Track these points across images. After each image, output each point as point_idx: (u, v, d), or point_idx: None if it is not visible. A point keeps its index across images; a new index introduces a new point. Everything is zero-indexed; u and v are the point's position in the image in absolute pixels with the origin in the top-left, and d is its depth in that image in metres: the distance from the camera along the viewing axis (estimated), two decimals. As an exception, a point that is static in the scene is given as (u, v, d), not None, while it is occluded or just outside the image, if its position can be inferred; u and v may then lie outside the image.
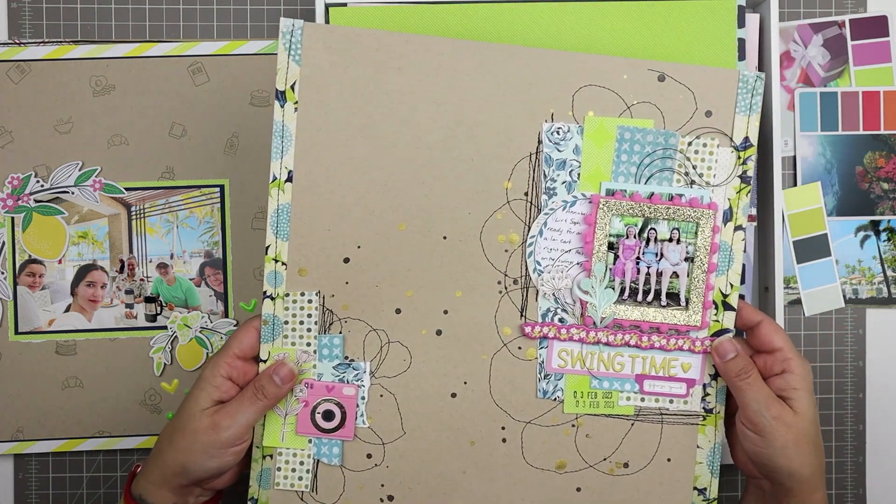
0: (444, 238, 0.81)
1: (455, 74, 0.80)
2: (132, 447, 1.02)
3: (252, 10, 1.03)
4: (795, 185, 1.05)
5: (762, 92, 0.81)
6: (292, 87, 0.79)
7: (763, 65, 0.98)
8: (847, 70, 1.04)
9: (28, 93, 1.00)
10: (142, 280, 1.02)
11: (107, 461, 1.04)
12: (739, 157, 0.81)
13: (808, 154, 1.04)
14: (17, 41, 1.00)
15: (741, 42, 0.93)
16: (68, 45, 1.00)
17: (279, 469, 0.83)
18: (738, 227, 0.81)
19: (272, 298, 0.81)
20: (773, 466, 0.79)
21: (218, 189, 1.01)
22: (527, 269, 0.82)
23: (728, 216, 0.81)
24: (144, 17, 1.03)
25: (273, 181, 0.80)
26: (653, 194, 0.81)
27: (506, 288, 0.82)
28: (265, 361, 0.82)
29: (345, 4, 0.93)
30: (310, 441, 0.83)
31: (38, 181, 1.00)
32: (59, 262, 1.01)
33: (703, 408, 0.83)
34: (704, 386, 0.83)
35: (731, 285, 0.82)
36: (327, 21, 0.93)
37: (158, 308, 1.02)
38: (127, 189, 1.01)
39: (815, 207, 1.04)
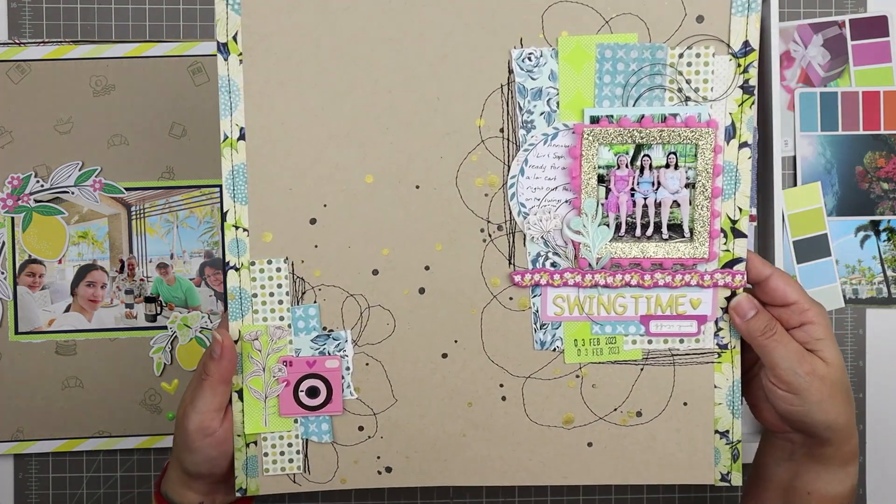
0: (417, 188, 0.73)
1: (409, 7, 0.71)
2: (132, 447, 0.97)
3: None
4: (795, 185, 0.99)
5: None
6: (234, 39, 0.71)
7: (763, 65, 0.98)
8: (847, 70, 0.99)
9: (28, 93, 0.95)
10: (142, 280, 0.97)
11: (107, 461, 0.98)
12: (739, 65, 0.70)
13: (808, 154, 0.99)
14: (17, 41, 0.94)
15: None
16: (68, 45, 0.95)
17: (266, 454, 0.75)
18: (743, 144, 0.70)
19: (236, 269, 0.73)
20: (810, 422, 0.71)
21: (218, 189, 0.97)
22: (510, 212, 0.73)
23: (731, 133, 0.70)
24: (144, 17, 0.97)
25: (224, 140, 0.72)
26: (643, 117, 0.70)
27: (490, 235, 0.73)
28: (237, 342, 0.74)
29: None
30: (296, 421, 0.75)
31: (38, 181, 0.95)
32: (59, 262, 0.96)
33: (717, 344, 0.74)
34: (717, 321, 0.73)
35: (740, 209, 0.71)
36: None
37: (158, 308, 0.97)
38: (127, 189, 0.96)
39: (815, 207, 0.99)
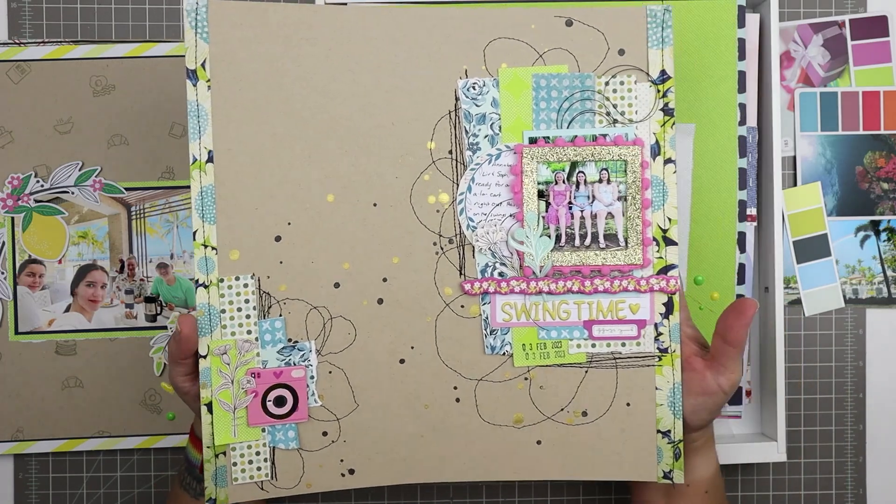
0: (375, 205, 0.81)
1: (366, 41, 0.80)
2: (132, 447, 1.03)
3: (252, 11, 1.05)
4: (795, 185, 1.05)
5: (672, 24, 0.80)
6: (203, 66, 0.78)
7: (763, 65, 0.99)
8: (847, 70, 1.04)
9: (28, 93, 1.01)
10: (142, 280, 1.02)
11: (107, 461, 1.04)
12: (659, 91, 0.80)
13: (808, 154, 1.05)
14: (17, 41, 1.00)
15: (741, 42, 0.95)
16: (68, 45, 1.01)
17: (235, 464, 0.81)
18: (667, 161, 0.80)
19: (205, 287, 0.80)
20: (713, 417, 0.83)
21: (218, 188, 1.03)
22: (460, 226, 0.81)
23: (656, 150, 0.80)
24: (144, 17, 1.03)
25: (193, 163, 0.79)
26: (576, 137, 0.80)
27: (442, 248, 0.81)
28: (205, 357, 0.80)
29: (345, 4, 0.95)
30: (263, 430, 0.81)
31: (38, 181, 1.01)
32: (59, 262, 1.02)
33: (658, 348, 0.82)
34: (656, 325, 0.81)
35: (670, 219, 0.80)
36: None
37: (158, 308, 1.03)
38: (127, 189, 1.02)
39: (815, 207, 1.04)
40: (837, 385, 1.06)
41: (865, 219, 1.05)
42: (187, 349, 0.79)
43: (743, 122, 0.95)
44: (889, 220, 1.05)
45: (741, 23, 0.94)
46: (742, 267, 0.96)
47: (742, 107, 0.95)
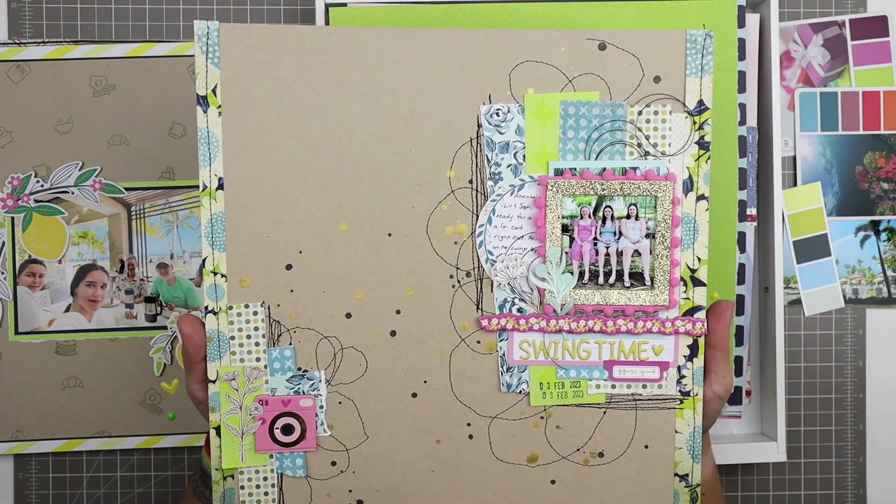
0: (389, 235, 0.75)
1: (383, 64, 0.73)
2: (132, 447, 1.00)
3: (252, 11, 1.01)
4: (795, 185, 1.02)
5: (713, 51, 0.74)
6: (214, 91, 0.73)
7: (763, 65, 0.96)
8: (847, 70, 1.01)
9: (28, 93, 0.98)
10: (142, 280, 1.00)
11: (107, 461, 1.01)
12: (695, 123, 0.73)
13: (808, 154, 1.02)
14: (17, 41, 0.97)
15: (741, 42, 0.91)
16: (68, 45, 0.98)
17: (242, 487, 0.77)
18: (700, 197, 0.73)
19: (215, 313, 0.75)
20: (714, 421, 0.80)
21: (218, 188, 1.01)
22: (479, 259, 0.75)
23: (689, 186, 0.73)
24: (144, 17, 1.00)
25: (203, 190, 0.74)
26: (604, 170, 0.73)
27: (458, 281, 0.76)
28: (214, 382, 0.76)
29: (345, 4, 0.90)
30: (271, 456, 0.77)
31: (38, 181, 0.98)
32: (59, 262, 0.99)
33: (680, 391, 0.76)
34: (679, 368, 0.76)
35: (699, 259, 0.74)
36: (327, 22, 0.90)
37: (158, 308, 1.00)
38: (127, 189, 0.99)
39: (815, 207, 1.02)
40: (837, 385, 1.04)
41: (865, 219, 1.02)
42: (195, 350, 0.75)
43: (743, 122, 0.91)
44: (889, 220, 1.02)
45: (741, 23, 0.89)
46: (742, 267, 0.93)
47: (742, 107, 0.90)
